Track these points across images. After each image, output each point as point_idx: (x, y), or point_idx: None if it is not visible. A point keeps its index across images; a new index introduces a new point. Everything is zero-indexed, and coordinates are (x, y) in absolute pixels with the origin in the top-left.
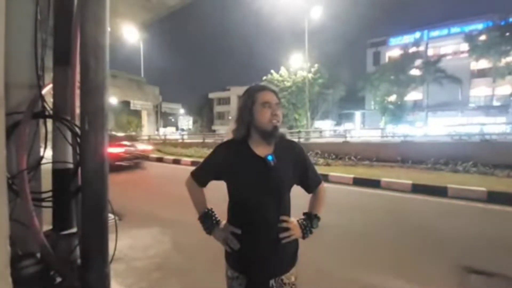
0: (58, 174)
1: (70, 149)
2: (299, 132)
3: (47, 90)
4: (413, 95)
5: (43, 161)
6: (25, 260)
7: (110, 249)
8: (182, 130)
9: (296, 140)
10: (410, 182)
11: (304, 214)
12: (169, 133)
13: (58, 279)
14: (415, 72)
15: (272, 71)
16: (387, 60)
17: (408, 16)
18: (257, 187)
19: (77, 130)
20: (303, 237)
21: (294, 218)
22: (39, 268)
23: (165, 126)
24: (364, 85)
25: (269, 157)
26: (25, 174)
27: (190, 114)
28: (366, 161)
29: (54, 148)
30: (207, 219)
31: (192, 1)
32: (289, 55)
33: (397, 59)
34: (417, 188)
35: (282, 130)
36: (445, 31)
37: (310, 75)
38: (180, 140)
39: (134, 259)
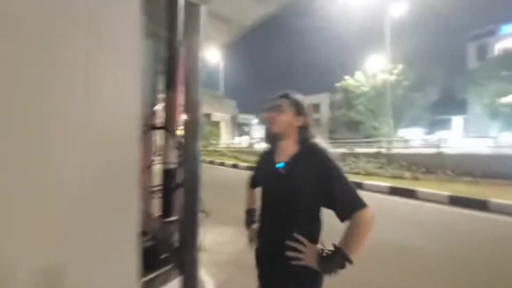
0: (165, 173)
1: (174, 153)
2: (378, 141)
3: (160, 108)
4: None
5: (156, 162)
6: (143, 236)
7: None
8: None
9: (376, 150)
10: None
11: (334, 245)
12: (246, 141)
13: (163, 255)
14: None
15: (346, 77)
16: (496, 53)
17: None
18: (269, 196)
19: (179, 138)
20: (323, 271)
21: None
22: (150, 244)
23: (240, 135)
24: (466, 85)
25: (280, 164)
26: (145, 172)
27: (262, 124)
28: (467, 176)
29: (163, 152)
30: (247, 217)
31: (267, 19)
32: (367, 57)
33: None
34: None
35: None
36: None
37: (392, 78)
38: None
39: (216, 252)
